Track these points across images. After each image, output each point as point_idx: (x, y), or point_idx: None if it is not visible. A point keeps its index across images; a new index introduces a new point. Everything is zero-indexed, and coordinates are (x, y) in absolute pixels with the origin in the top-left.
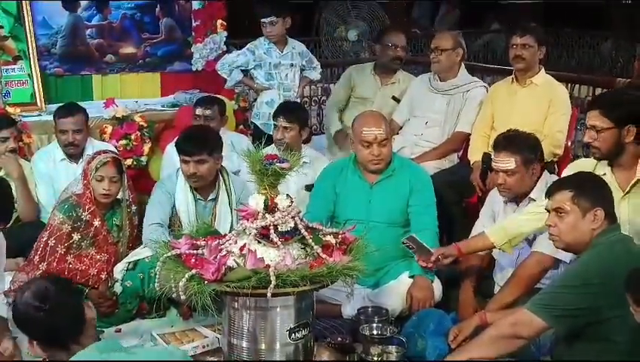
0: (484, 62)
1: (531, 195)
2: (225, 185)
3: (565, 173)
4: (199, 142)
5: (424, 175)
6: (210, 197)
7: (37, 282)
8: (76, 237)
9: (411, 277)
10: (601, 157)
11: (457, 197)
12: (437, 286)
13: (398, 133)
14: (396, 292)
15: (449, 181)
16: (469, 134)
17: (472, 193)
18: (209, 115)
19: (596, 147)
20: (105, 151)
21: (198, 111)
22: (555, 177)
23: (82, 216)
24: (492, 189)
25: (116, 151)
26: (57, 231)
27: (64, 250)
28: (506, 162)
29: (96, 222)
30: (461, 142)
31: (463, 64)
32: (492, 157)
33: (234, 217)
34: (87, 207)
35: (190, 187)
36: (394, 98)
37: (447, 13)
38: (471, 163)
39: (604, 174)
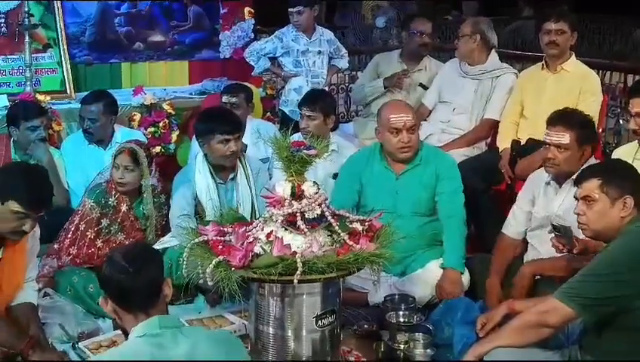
0: (513, 49)
1: (575, 177)
2: (242, 164)
3: (612, 157)
4: (234, 120)
5: (451, 162)
6: (229, 178)
7: (131, 246)
8: (105, 222)
9: (442, 268)
10: None
11: (485, 185)
12: (465, 277)
13: (426, 120)
14: (423, 280)
15: (477, 168)
16: (498, 121)
17: (500, 181)
18: (235, 102)
19: None
20: (135, 141)
21: (225, 98)
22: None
23: (110, 202)
24: (531, 173)
25: (145, 138)
26: (87, 216)
27: (94, 234)
28: (560, 136)
29: (124, 208)
30: (490, 129)
31: (493, 50)
32: (546, 130)
33: (254, 196)
34: (113, 193)
35: (210, 171)
36: (421, 85)
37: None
38: (499, 150)
39: None
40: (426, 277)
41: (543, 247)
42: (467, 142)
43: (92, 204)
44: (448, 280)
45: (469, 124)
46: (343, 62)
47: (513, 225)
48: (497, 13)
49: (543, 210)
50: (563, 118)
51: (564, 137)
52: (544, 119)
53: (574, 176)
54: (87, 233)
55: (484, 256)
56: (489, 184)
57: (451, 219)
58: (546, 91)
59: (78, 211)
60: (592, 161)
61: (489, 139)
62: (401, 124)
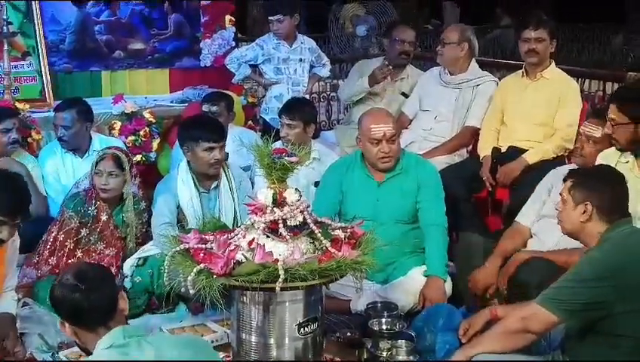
0: (493, 58)
1: None
2: (225, 173)
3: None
4: (219, 128)
5: (432, 170)
6: (212, 186)
7: (78, 265)
8: (84, 232)
9: (425, 275)
10: (621, 148)
11: (467, 193)
12: (448, 284)
13: (407, 128)
14: (406, 287)
15: (458, 176)
16: (479, 129)
17: (481, 188)
18: (216, 110)
19: (615, 139)
20: (115, 147)
21: (205, 107)
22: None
23: (89, 211)
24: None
25: (124, 146)
26: (66, 226)
27: (73, 244)
28: (594, 129)
29: (103, 217)
30: (471, 136)
31: (474, 59)
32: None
33: (237, 205)
34: (93, 202)
35: (193, 180)
36: (403, 94)
37: (446, 9)
38: (480, 157)
39: (627, 162)
40: (409, 285)
41: (546, 237)
42: (448, 150)
43: (70, 213)
44: (431, 288)
45: (451, 132)
46: (325, 71)
47: (527, 214)
48: (476, 22)
49: (554, 201)
50: (597, 113)
51: (598, 131)
52: (525, 126)
53: None
54: (66, 243)
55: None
56: (470, 191)
57: (433, 227)
58: (525, 99)
59: (57, 221)
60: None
61: (470, 146)
62: (380, 134)
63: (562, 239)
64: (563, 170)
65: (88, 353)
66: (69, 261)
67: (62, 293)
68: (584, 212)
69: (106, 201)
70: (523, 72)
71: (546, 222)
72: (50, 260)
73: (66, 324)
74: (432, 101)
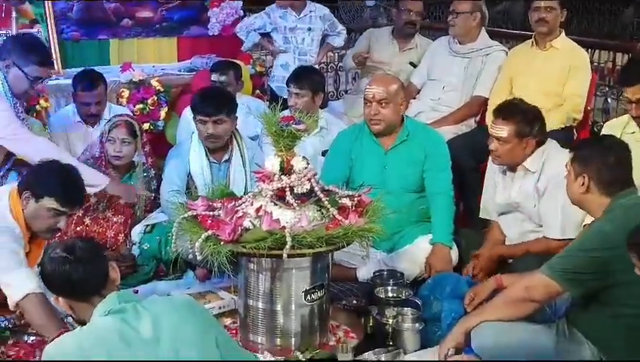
0: (502, 28)
1: (525, 164)
2: (238, 146)
3: (603, 132)
4: (217, 103)
5: (439, 139)
6: (224, 159)
7: (66, 240)
8: (93, 199)
9: (431, 243)
10: None
11: (474, 162)
12: (454, 253)
13: (415, 98)
14: (412, 256)
15: (466, 146)
16: (487, 99)
17: (489, 158)
18: (224, 80)
19: None
20: (125, 115)
21: (214, 77)
22: (555, 146)
23: None
24: None
25: (133, 115)
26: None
27: (82, 212)
28: (499, 130)
29: None
30: (479, 106)
31: (483, 29)
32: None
33: (248, 178)
34: (103, 169)
35: (205, 150)
36: (411, 64)
37: None
38: (489, 128)
39: (634, 133)
40: (415, 253)
41: (509, 231)
42: (456, 120)
43: None
44: (437, 256)
45: (459, 101)
46: (339, 40)
47: (486, 210)
48: None
49: (504, 197)
50: (505, 111)
51: (503, 131)
52: (534, 96)
53: (525, 163)
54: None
55: (471, 231)
56: (478, 161)
57: (439, 196)
58: (535, 68)
59: None
60: (538, 152)
61: (478, 116)
62: (370, 95)
63: (523, 233)
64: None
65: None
66: (78, 228)
67: (52, 267)
68: (582, 184)
69: (116, 169)
70: (533, 42)
71: (504, 218)
72: None
73: (60, 298)
74: (440, 70)
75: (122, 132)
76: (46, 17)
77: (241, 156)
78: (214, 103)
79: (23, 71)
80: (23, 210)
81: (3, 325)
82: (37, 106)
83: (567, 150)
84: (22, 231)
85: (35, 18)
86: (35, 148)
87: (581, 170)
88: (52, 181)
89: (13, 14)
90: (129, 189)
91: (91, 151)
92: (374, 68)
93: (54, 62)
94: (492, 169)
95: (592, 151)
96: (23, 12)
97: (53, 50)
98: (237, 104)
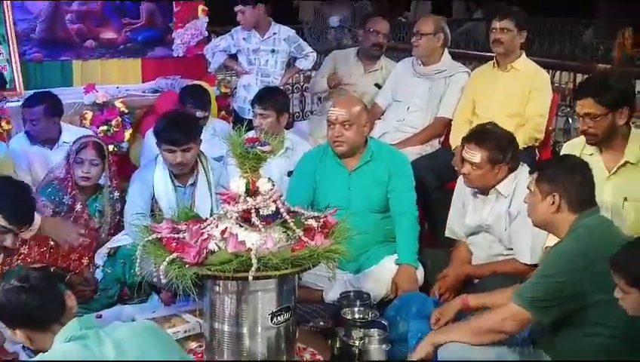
0: (466, 50)
1: (498, 188)
2: (204, 169)
3: (563, 151)
4: (185, 131)
5: (403, 159)
6: (189, 183)
7: (19, 271)
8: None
9: (396, 264)
10: (596, 142)
11: (439, 182)
12: (419, 273)
13: (380, 118)
14: (378, 276)
15: (430, 166)
16: (451, 120)
17: (453, 178)
18: (200, 105)
19: (593, 134)
20: (92, 136)
21: (188, 106)
22: (525, 170)
23: (65, 200)
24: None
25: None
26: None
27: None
28: (472, 155)
29: (78, 207)
30: (443, 127)
31: (446, 50)
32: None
33: (213, 201)
34: (69, 191)
35: (170, 174)
36: (377, 85)
37: (419, 2)
38: (452, 148)
39: (592, 154)
40: (381, 274)
41: (479, 252)
42: (420, 140)
43: (45, 201)
44: (403, 276)
45: (423, 122)
46: (306, 63)
47: (452, 230)
48: (448, 15)
49: (474, 219)
50: (478, 136)
51: (475, 156)
52: (497, 117)
53: (498, 186)
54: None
55: (437, 251)
56: (442, 181)
57: (404, 216)
58: (497, 89)
59: None
60: (511, 177)
61: (442, 137)
62: (333, 117)
63: (492, 255)
64: (465, 187)
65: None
66: (42, 250)
67: (7, 298)
68: (553, 203)
69: (82, 190)
70: (494, 63)
71: (474, 239)
72: (21, 249)
73: (17, 331)
74: (404, 92)
75: (91, 153)
76: (8, 38)
77: (207, 179)
78: (182, 132)
79: None
80: None
81: None
82: None
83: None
84: None
85: None
86: None
87: (550, 188)
88: (0, 198)
89: None
90: (68, 228)
91: (55, 173)
92: (339, 89)
93: (15, 83)
94: (461, 190)
95: (558, 169)
96: None
97: (15, 72)
98: (201, 128)
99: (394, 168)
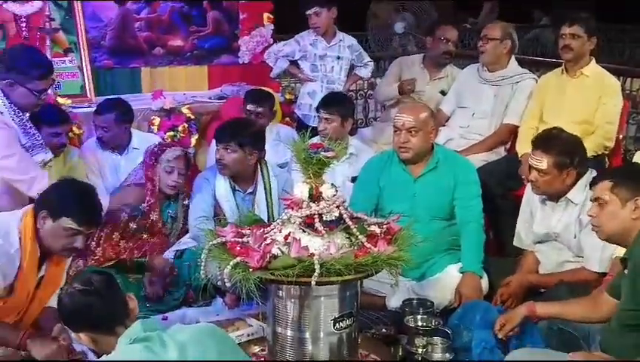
0: (533, 56)
1: (568, 196)
2: (263, 179)
3: (635, 160)
4: (230, 131)
5: (469, 167)
6: (248, 190)
7: (81, 275)
8: (133, 226)
9: (461, 272)
10: None
11: (504, 190)
12: (484, 282)
13: (444, 125)
14: (442, 284)
15: (496, 173)
16: (517, 126)
17: (519, 186)
18: (260, 111)
19: None
20: (165, 145)
21: (250, 107)
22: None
23: (140, 207)
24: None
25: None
26: (115, 220)
27: (119, 237)
28: (538, 161)
29: (154, 216)
30: (509, 134)
31: (513, 56)
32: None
33: (274, 211)
34: (147, 199)
35: (230, 179)
36: (442, 92)
37: (488, 13)
38: (519, 155)
39: None
40: (445, 282)
41: (547, 261)
42: (486, 147)
43: (122, 206)
44: (467, 285)
45: (489, 129)
46: (366, 72)
47: (520, 238)
48: (514, 22)
49: (542, 227)
50: (544, 142)
51: (542, 162)
52: (565, 124)
53: (568, 195)
54: (114, 235)
55: (502, 260)
56: (508, 189)
57: (469, 224)
58: (565, 96)
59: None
60: (581, 184)
61: (508, 144)
62: (400, 123)
63: (560, 263)
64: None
65: None
66: (115, 251)
67: (72, 301)
68: (635, 208)
69: (168, 198)
70: (563, 70)
71: (541, 247)
72: (96, 251)
73: (82, 334)
74: (470, 98)
75: (182, 163)
76: (79, 46)
77: (265, 189)
78: (227, 131)
79: (26, 87)
80: (38, 229)
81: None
82: (70, 134)
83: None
84: (24, 252)
85: (69, 47)
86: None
87: (630, 194)
88: (69, 200)
89: (48, 42)
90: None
91: (131, 179)
92: (405, 96)
93: (86, 90)
94: (530, 197)
95: (635, 175)
96: (58, 40)
97: (86, 78)
98: (259, 139)
99: (460, 175)
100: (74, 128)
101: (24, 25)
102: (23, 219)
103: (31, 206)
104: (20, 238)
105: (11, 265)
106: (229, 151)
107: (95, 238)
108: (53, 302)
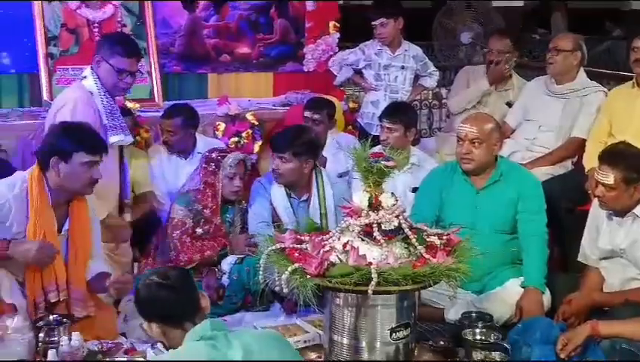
0: (604, 69)
1: (635, 211)
2: (317, 187)
3: None
4: (284, 141)
5: (533, 180)
6: (303, 198)
7: (158, 268)
8: (199, 230)
9: (522, 287)
10: None
11: (570, 205)
12: (546, 298)
13: (509, 137)
14: (502, 299)
15: (562, 188)
16: (585, 140)
17: (585, 201)
18: (317, 118)
19: None
20: (222, 150)
21: (307, 114)
22: None
23: (203, 212)
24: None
25: (228, 148)
26: (182, 226)
27: (189, 239)
28: (605, 176)
29: (217, 220)
30: (576, 148)
31: (582, 68)
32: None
33: (326, 220)
34: (209, 205)
35: (284, 187)
36: (508, 103)
37: (554, 19)
38: (586, 170)
39: None
40: (505, 296)
41: (612, 278)
42: (552, 161)
43: (184, 210)
44: (529, 300)
45: (556, 142)
46: (431, 81)
47: (584, 254)
48: (584, 33)
49: (608, 243)
50: (610, 157)
51: (609, 177)
52: (634, 139)
53: (635, 210)
54: (183, 238)
55: (565, 276)
56: (574, 204)
57: (533, 239)
58: (636, 110)
59: (171, 219)
60: None
61: (575, 158)
62: (463, 133)
63: (626, 280)
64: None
65: None
66: (189, 256)
67: (148, 292)
68: None
69: (227, 203)
70: (634, 83)
71: (606, 264)
72: (180, 256)
73: (153, 325)
74: (536, 110)
75: (242, 169)
76: (149, 51)
77: (319, 196)
78: (284, 140)
79: (109, 63)
80: (58, 176)
81: (97, 348)
82: (137, 137)
83: None
84: (32, 197)
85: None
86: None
87: None
88: (72, 138)
89: None
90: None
91: (189, 185)
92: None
93: (154, 94)
94: (596, 212)
95: None
96: None
97: (154, 84)
98: (315, 148)
99: (524, 189)
100: (141, 132)
101: (97, 30)
102: (28, 173)
103: (29, 170)
104: (26, 187)
105: (21, 211)
106: (283, 160)
107: (170, 246)
108: (98, 268)
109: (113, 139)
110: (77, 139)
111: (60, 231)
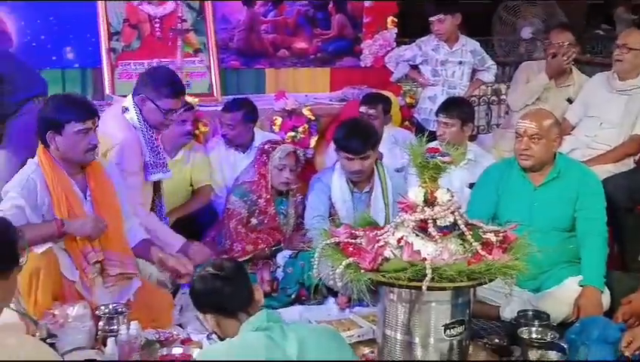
0: None
1: None
2: (380, 177)
3: None
4: (364, 140)
5: (593, 178)
6: (365, 190)
7: (214, 260)
8: (254, 221)
9: (580, 285)
10: None
11: (631, 204)
12: (605, 297)
13: (570, 134)
14: (559, 298)
15: (623, 186)
16: None
17: None
18: (373, 113)
19: None
20: (275, 142)
21: (362, 109)
22: None
23: (258, 203)
24: None
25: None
26: (237, 215)
27: (244, 229)
28: None
29: (271, 210)
30: (638, 145)
31: None
32: None
33: (390, 210)
34: (263, 195)
35: (347, 180)
36: (568, 100)
37: (618, 15)
38: None
39: None
40: (563, 294)
41: None
42: (613, 158)
43: (239, 201)
44: (587, 299)
45: (617, 139)
46: (489, 76)
47: None
48: None
49: None
50: None
51: None
52: None
53: None
54: (239, 228)
55: (625, 275)
56: (635, 203)
57: (592, 237)
58: None
59: (227, 212)
60: None
61: (637, 156)
62: (521, 129)
63: None
64: None
65: None
66: (242, 245)
67: (203, 284)
68: None
69: (280, 194)
70: None
71: None
72: (234, 246)
73: (208, 316)
74: (598, 107)
75: (293, 160)
76: (208, 46)
77: (382, 187)
78: (361, 141)
79: (155, 104)
80: (58, 150)
81: (154, 338)
82: (196, 131)
83: None
84: (47, 177)
85: (199, 47)
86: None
87: None
88: (61, 110)
89: (179, 43)
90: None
91: (244, 177)
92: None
93: (213, 89)
94: None
95: None
96: (188, 41)
97: (213, 78)
98: (380, 136)
99: (584, 187)
100: (200, 126)
101: (158, 25)
102: (37, 155)
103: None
104: (39, 167)
105: (43, 188)
106: (365, 159)
107: (225, 236)
108: (137, 236)
109: (154, 177)
110: (66, 109)
111: (84, 198)
